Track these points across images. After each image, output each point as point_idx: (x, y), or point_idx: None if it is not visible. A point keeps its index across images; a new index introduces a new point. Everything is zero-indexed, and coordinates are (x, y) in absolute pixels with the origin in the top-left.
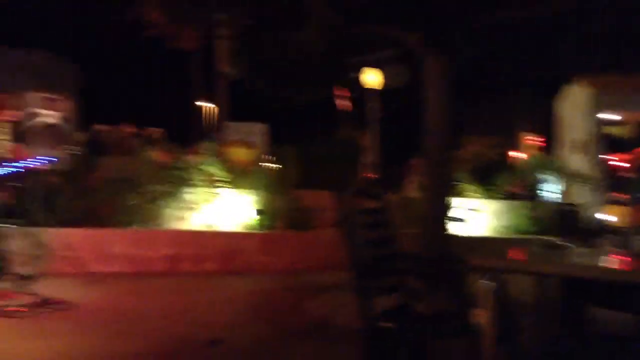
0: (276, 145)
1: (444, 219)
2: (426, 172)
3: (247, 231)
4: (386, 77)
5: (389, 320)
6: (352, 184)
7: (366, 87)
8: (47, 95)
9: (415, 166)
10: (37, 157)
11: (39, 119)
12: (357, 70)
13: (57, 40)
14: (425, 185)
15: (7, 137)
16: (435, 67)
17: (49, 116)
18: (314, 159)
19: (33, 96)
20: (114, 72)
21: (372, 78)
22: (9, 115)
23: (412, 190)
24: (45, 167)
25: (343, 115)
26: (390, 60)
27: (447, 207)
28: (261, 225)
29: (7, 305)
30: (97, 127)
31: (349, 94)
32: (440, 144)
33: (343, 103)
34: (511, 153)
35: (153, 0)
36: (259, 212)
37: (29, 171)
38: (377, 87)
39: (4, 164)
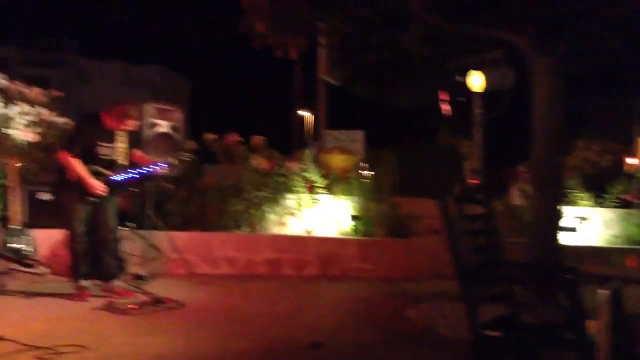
0: (374, 152)
1: (554, 228)
2: (534, 178)
3: (345, 237)
4: (490, 80)
5: (496, 329)
6: (455, 190)
7: (471, 90)
8: (162, 106)
9: (521, 172)
10: (152, 164)
11: (154, 129)
12: (461, 73)
13: (170, 57)
14: (534, 192)
15: (126, 145)
16: (544, 69)
17: (163, 126)
18: (413, 165)
19: (149, 107)
20: (220, 84)
21: (477, 81)
22: (131, 124)
23: (517, 197)
24: (158, 174)
25: (444, 119)
26: (494, 61)
27: (557, 215)
28: (357, 231)
29: (123, 303)
30: (206, 136)
31: (451, 98)
32: (550, 149)
33: (446, 107)
34: (627, 160)
35: (260, 12)
36: (355, 218)
37: (145, 177)
38: (481, 90)
39: (122, 171)
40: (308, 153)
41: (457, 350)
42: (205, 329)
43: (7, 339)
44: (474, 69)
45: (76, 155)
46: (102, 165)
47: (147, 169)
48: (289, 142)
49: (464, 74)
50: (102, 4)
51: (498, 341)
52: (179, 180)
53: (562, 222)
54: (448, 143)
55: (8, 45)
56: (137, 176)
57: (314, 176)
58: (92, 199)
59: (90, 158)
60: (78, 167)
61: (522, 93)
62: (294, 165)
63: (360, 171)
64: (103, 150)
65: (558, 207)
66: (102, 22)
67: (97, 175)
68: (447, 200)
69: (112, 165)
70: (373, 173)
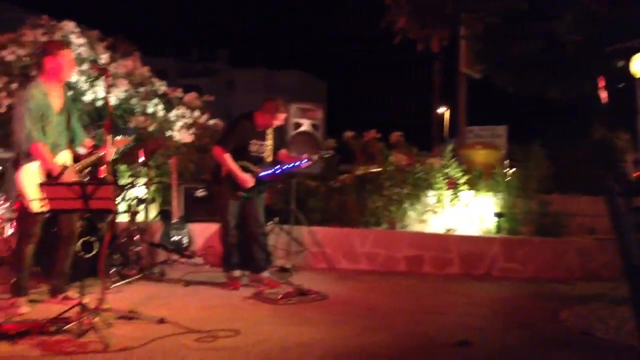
0: (519, 147)
1: None
2: None
3: (488, 236)
4: None
5: None
6: (615, 183)
7: (634, 76)
8: (303, 105)
9: None
10: (295, 162)
11: (297, 127)
12: (622, 57)
13: (307, 61)
14: None
15: (271, 142)
16: None
17: (304, 124)
18: (563, 160)
19: (292, 107)
20: (355, 84)
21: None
22: (281, 119)
23: None
24: (300, 171)
25: (600, 109)
26: None
27: None
28: (501, 229)
29: (271, 293)
30: (345, 133)
31: (608, 86)
32: None
33: (604, 95)
34: None
35: (402, 6)
36: (499, 215)
37: (289, 174)
38: None
39: (268, 167)
40: (449, 149)
41: (618, 355)
42: (348, 321)
43: (169, 322)
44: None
45: (229, 151)
46: (251, 161)
47: (292, 166)
48: (427, 138)
49: (626, 58)
50: (247, 17)
51: None
52: (319, 177)
53: None
54: (604, 135)
55: (167, 57)
56: (282, 172)
57: (456, 172)
58: (242, 193)
59: (241, 154)
60: (230, 162)
61: None
62: (434, 161)
63: (504, 167)
64: (253, 147)
65: None
66: (247, 33)
67: (246, 170)
68: (614, 194)
69: (260, 162)
70: (519, 169)
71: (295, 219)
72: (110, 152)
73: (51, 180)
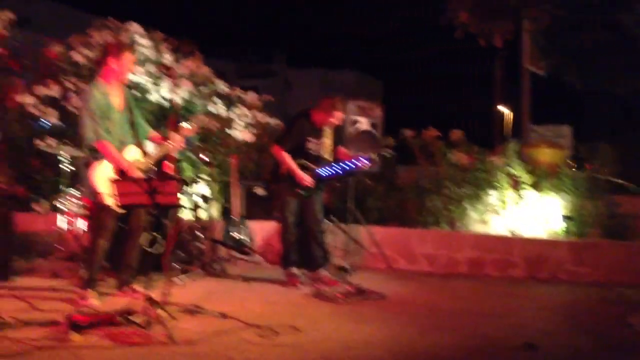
0: (585, 146)
1: None
2: None
3: (554, 238)
4: None
5: None
6: None
7: None
8: (362, 103)
9: None
10: (354, 160)
11: (355, 126)
12: None
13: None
14: None
15: (331, 141)
16: None
17: (363, 123)
18: (631, 159)
19: (351, 104)
20: (412, 83)
21: None
22: (338, 117)
23: None
24: (359, 169)
25: None
26: None
27: None
28: (569, 232)
29: (330, 291)
30: (404, 132)
31: None
32: None
33: None
34: None
35: (463, 1)
36: (567, 218)
37: (348, 172)
38: None
39: (327, 165)
40: (512, 147)
41: None
42: (408, 321)
43: (230, 317)
44: None
45: (287, 150)
46: (309, 159)
47: (351, 165)
48: (488, 137)
49: None
50: (304, 18)
51: None
52: (378, 176)
53: None
54: None
55: (226, 60)
56: (341, 171)
57: (519, 172)
58: (301, 191)
59: (299, 153)
60: (288, 160)
61: None
62: (496, 160)
63: (570, 167)
64: (311, 145)
65: None
66: (304, 34)
67: (304, 169)
68: None
69: (318, 160)
70: (587, 169)
71: (353, 218)
72: (177, 142)
73: (121, 175)
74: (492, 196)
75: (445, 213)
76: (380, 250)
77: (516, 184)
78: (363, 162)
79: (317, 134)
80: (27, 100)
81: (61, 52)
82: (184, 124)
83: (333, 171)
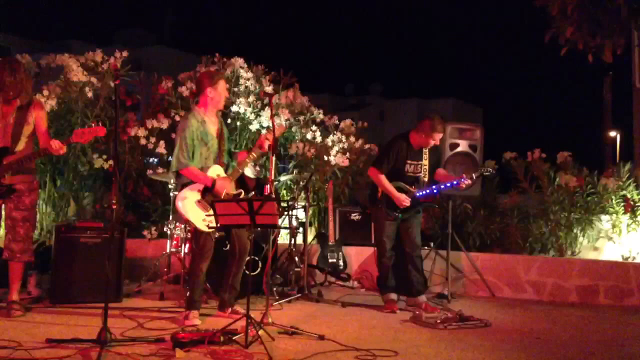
0: None
1: None
2: None
3: None
4: None
5: None
6: None
7: None
8: (461, 125)
9: None
10: (453, 181)
11: (453, 148)
12: None
13: (461, 87)
14: None
15: (428, 163)
16: None
17: (462, 145)
18: None
19: (449, 127)
20: (513, 109)
21: None
22: (438, 138)
23: None
24: (459, 193)
25: None
26: None
27: None
28: None
29: (430, 317)
30: (506, 154)
31: None
32: None
33: None
34: None
35: (570, 16)
36: None
37: (442, 191)
38: None
39: (425, 187)
40: (626, 168)
41: None
42: (515, 349)
43: (328, 339)
44: None
45: (384, 172)
46: (407, 182)
47: (449, 185)
48: (597, 161)
49: None
50: (400, 50)
51: None
52: (478, 200)
53: None
54: None
55: (322, 93)
56: (436, 191)
57: (635, 194)
58: (397, 214)
59: (397, 175)
60: (385, 182)
61: None
62: (608, 182)
63: None
64: (409, 167)
65: None
66: (400, 65)
67: (401, 191)
68: None
69: (416, 182)
70: None
71: (453, 243)
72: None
73: (209, 195)
74: (605, 221)
75: (553, 239)
76: (482, 277)
77: (631, 208)
78: (462, 182)
79: (416, 156)
80: (140, 132)
81: (170, 88)
82: (276, 123)
83: (431, 192)
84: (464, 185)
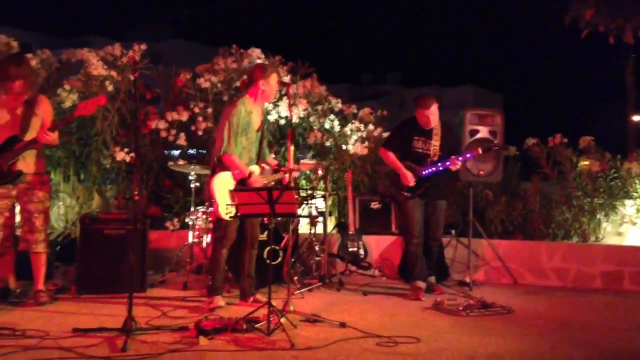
0: None
1: None
2: None
3: None
4: None
5: None
6: None
7: None
8: (480, 111)
9: None
10: (459, 158)
11: (473, 134)
12: None
13: (481, 75)
14: None
15: (439, 143)
16: None
17: (482, 131)
18: None
19: (469, 113)
20: (536, 94)
21: None
22: (433, 114)
23: None
24: (479, 179)
25: None
26: None
27: None
28: None
29: (452, 304)
30: (527, 140)
31: None
32: None
33: None
34: None
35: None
36: None
37: (465, 183)
38: None
39: (432, 166)
40: None
41: None
42: (538, 334)
43: (350, 327)
44: None
45: (393, 151)
46: (414, 159)
47: (457, 159)
48: (620, 142)
49: None
50: (419, 38)
51: None
52: (500, 186)
53: None
54: None
55: (340, 83)
56: (442, 168)
57: None
58: (406, 194)
59: (405, 153)
60: (393, 159)
61: None
62: (632, 166)
63: None
64: (417, 143)
65: None
66: (419, 53)
67: (410, 170)
68: None
69: (424, 160)
70: None
71: (474, 231)
72: (294, 170)
73: (242, 186)
74: (628, 206)
75: (576, 225)
76: (504, 264)
77: None
78: (469, 156)
79: (424, 134)
80: (160, 125)
81: (188, 80)
82: (305, 161)
83: (437, 170)
84: (469, 156)
